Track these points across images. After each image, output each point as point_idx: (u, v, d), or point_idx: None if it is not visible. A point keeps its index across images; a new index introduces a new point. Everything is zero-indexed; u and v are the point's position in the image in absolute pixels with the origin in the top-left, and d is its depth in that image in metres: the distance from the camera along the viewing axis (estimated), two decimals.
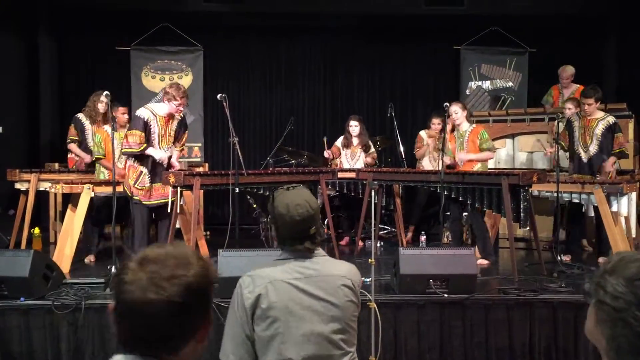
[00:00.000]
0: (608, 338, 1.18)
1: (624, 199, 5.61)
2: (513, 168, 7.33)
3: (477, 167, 6.08)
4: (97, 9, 8.38)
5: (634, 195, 5.81)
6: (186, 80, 8.69)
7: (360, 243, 6.68)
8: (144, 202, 5.41)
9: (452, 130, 6.35)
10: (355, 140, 7.12)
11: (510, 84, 8.98)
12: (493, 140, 7.50)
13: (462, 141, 6.06)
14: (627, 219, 5.78)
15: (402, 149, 7.88)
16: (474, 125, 6.16)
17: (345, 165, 7.10)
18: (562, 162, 6.32)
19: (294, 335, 2.17)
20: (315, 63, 9.25)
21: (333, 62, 9.22)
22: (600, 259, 5.92)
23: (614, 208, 5.60)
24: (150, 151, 5.37)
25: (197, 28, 8.70)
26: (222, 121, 8.36)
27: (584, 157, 6.09)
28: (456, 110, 6.01)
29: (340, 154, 7.20)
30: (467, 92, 8.95)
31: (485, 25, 8.70)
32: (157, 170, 5.43)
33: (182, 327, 1.26)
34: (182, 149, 5.95)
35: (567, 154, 6.36)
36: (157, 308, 1.21)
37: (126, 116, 6.33)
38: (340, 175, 6.58)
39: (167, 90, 5.43)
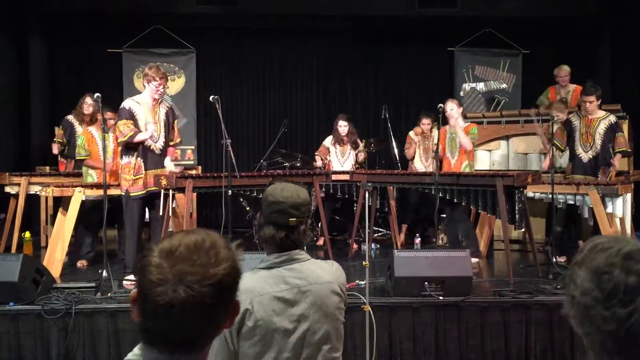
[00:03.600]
0: (582, 335, 1.12)
1: (619, 200, 5.59)
2: (507, 169, 7.30)
3: (464, 165, 6.09)
4: (88, 11, 8.32)
5: (629, 196, 5.80)
6: (179, 83, 8.64)
7: (355, 245, 6.64)
8: (141, 193, 5.29)
9: (445, 124, 6.34)
10: (345, 139, 7.11)
11: (504, 85, 8.97)
12: (488, 142, 7.53)
13: (455, 137, 6.08)
14: (622, 220, 5.77)
15: (396, 150, 7.86)
16: (467, 122, 6.20)
17: (336, 164, 7.11)
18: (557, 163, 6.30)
19: (282, 353, 2.07)
20: (308, 65, 9.22)
21: (327, 64, 9.19)
22: None
23: (609, 209, 5.58)
24: (139, 136, 5.26)
25: (189, 30, 8.66)
26: (215, 123, 8.31)
27: (584, 157, 6.04)
28: (452, 107, 6.05)
29: (329, 153, 7.19)
30: (461, 93, 8.94)
31: (478, 27, 8.69)
32: (149, 157, 5.34)
33: (211, 326, 1.19)
34: (179, 143, 5.85)
35: (562, 154, 6.33)
36: (187, 310, 1.12)
37: (112, 121, 6.25)
38: (333, 177, 6.55)
39: (146, 72, 5.40)
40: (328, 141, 7.24)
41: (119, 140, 5.39)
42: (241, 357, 2.08)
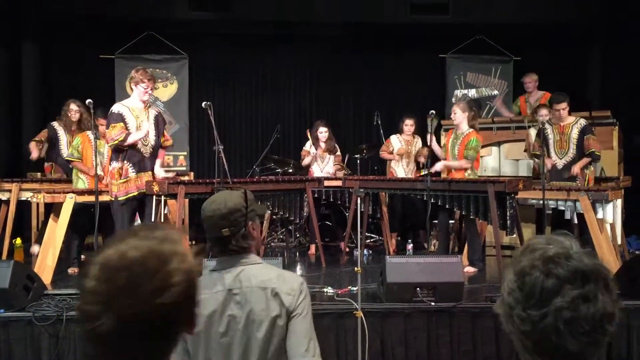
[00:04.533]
0: (509, 334, 1.15)
1: (610, 206, 5.63)
2: (499, 175, 7.34)
3: (467, 173, 6.01)
4: (81, 17, 8.30)
5: (619, 202, 5.83)
6: (171, 89, 8.65)
7: (347, 249, 6.64)
8: (129, 196, 5.26)
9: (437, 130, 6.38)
10: (322, 145, 7.16)
11: (495, 92, 9.03)
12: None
13: (457, 142, 6.04)
14: (612, 225, 5.80)
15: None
16: (470, 130, 6.04)
17: (316, 170, 7.14)
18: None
19: (212, 354, 2.09)
20: (301, 71, 9.24)
21: (319, 70, 9.22)
22: None
23: (600, 215, 5.61)
24: (130, 138, 5.22)
25: (182, 36, 8.67)
26: (207, 130, 8.30)
27: (559, 164, 6.11)
28: (455, 110, 6.04)
29: (309, 155, 7.23)
30: (453, 100, 8.97)
31: (470, 34, 8.75)
32: (139, 160, 5.32)
33: (158, 353, 1.05)
34: (171, 146, 5.86)
35: (539, 161, 6.39)
36: (127, 340, 0.98)
37: (103, 127, 6.23)
38: (326, 183, 6.56)
39: (133, 75, 5.39)
40: (308, 146, 7.27)
41: (109, 144, 5.36)
42: (191, 356, 2.12)
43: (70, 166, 6.38)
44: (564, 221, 6.20)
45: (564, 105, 6.01)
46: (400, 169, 7.13)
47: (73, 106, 6.74)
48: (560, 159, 6.08)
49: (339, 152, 7.34)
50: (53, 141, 6.95)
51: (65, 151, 6.74)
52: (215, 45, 8.98)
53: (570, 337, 1.07)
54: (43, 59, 8.59)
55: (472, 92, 9.04)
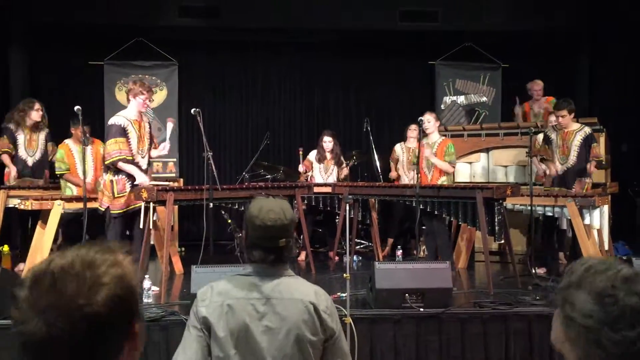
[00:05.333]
0: (580, 357, 1.10)
1: (596, 212, 5.67)
2: (487, 182, 7.38)
3: (442, 180, 6.20)
4: (69, 24, 8.28)
5: (606, 208, 5.88)
6: (161, 95, 8.63)
7: (336, 258, 6.65)
8: (124, 210, 5.24)
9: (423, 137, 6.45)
10: (328, 155, 7.14)
11: (484, 98, 9.08)
12: (468, 154, 7.60)
13: (431, 151, 6.20)
14: (599, 231, 5.84)
15: (378, 163, 7.90)
16: (442, 138, 6.32)
17: (318, 180, 7.11)
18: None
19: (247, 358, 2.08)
20: (291, 78, 9.26)
21: (309, 77, 9.24)
22: None
23: (587, 221, 5.66)
24: (130, 169, 5.21)
25: (171, 43, 8.65)
26: (197, 136, 8.29)
27: (560, 169, 6.15)
28: (429, 119, 6.17)
29: (312, 168, 7.20)
30: (442, 106, 9.03)
31: (459, 41, 8.81)
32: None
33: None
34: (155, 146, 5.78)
35: (544, 165, 6.44)
36: (56, 349, 0.95)
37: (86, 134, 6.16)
38: (315, 189, 6.56)
39: (131, 87, 5.35)
40: (312, 156, 7.27)
41: (106, 161, 5.28)
42: (213, 357, 2.09)
43: (62, 179, 6.37)
44: (554, 227, 6.26)
45: (563, 112, 6.02)
46: (404, 177, 7.11)
47: (37, 105, 6.61)
48: (562, 164, 6.12)
49: (344, 166, 7.29)
50: (13, 145, 6.67)
51: (23, 153, 6.62)
52: (204, 52, 8.98)
53: None
54: (32, 65, 8.55)
55: (461, 99, 9.10)
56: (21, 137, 6.67)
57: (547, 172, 6.29)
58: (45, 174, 6.80)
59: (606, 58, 8.65)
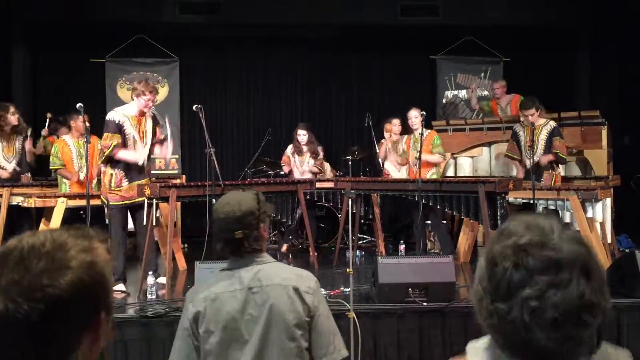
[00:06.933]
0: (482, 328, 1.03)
1: (599, 205, 5.67)
2: (489, 176, 7.38)
3: (431, 172, 6.29)
4: (71, 21, 8.29)
5: (608, 201, 5.88)
6: (162, 92, 8.63)
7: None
8: (121, 203, 5.25)
9: (408, 133, 6.66)
10: (304, 148, 7.16)
11: (485, 92, 9.07)
12: (470, 148, 7.61)
13: (417, 145, 6.19)
14: (602, 224, 5.84)
15: (380, 158, 7.88)
16: (428, 131, 6.43)
17: (296, 173, 7.17)
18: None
19: (231, 354, 2.10)
20: (292, 73, 9.25)
21: (310, 72, 9.23)
22: None
23: (589, 214, 5.66)
24: (122, 154, 5.18)
25: (172, 39, 8.66)
26: (199, 132, 8.29)
27: (527, 164, 6.18)
28: (416, 115, 6.29)
29: (290, 162, 7.23)
30: (444, 101, 9.02)
31: (460, 35, 8.79)
32: (132, 170, 5.30)
33: (48, 348, 0.96)
34: (160, 140, 5.70)
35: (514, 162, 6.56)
36: (9, 328, 0.92)
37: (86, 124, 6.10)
38: (318, 185, 6.57)
39: (135, 87, 5.32)
40: (289, 150, 7.30)
41: (99, 155, 5.31)
42: (203, 355, 2.11)
43: (55, 174, 6.38)
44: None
45: (532, 111, 6.15)
46: (394, 170, 7.08)
47: (13, 109, 6.42)
48: (529, 159, 6.15)
49: (320, 157, 7.33)
50: None
51: (1, 159, 6.42)
52: (205, 48, 8.98)
53: (539, 330, 0.94)
54: (34, 63, 8.57)
55: (463, 93, 9.09)
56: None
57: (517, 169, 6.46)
58: (24, 179, 6.61)
59: (606, 51, 8.63)
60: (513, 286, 0.96)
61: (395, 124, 7.05)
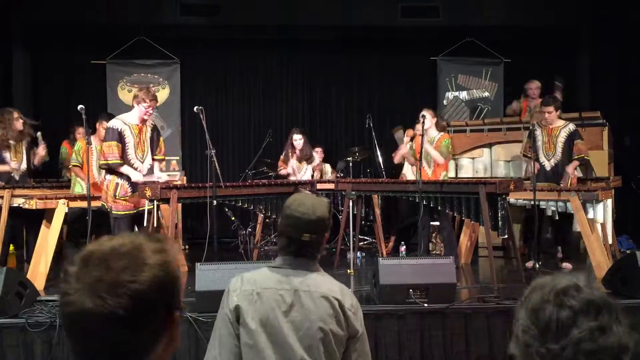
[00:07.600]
0: None
1: (600, 206, 5.67)
2: (490, 177, 7.38)
3: (444, 174, 6.23)
4: (72, 23, 8.30)
5: (609, 202, 5.88)
6: (163, 94, 8.64)
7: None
8: (126, 212, 5.27)
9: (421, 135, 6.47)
10: (299, 153, 7.18)
11: (486, 94, 9.07)
12: (471, 149, 7.60)
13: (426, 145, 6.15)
14: (603, 225, 5.84)
15: (380, 159, 7.90)
16: (441, 133, 6.29)
17: (293, 177, 7.15)
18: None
19: (267, 351, 2.12)
20: (293, 75, 9.26)
21: (311, 73, 9.24)
22: (564, 264, 6.02)
23: (590, 215, 5.65)
24: (125, 170, 5.25)
25: (173, 41, 8.67)
26: (199, 134, 8.31)
27: (547, 165, 6.18)
28: (425, 115, 6.13)
29: (285, 166, 7.26)
30: (445, 102, 9.02)
31: (461, 36, 8.79)
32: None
33: (134, 344, 1.03)
34: (163, 160, 5.80)
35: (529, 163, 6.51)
36: (97, 324, 0.99)
37: (79, 135, 6.12)
38: (318, 186, 6.57)
39: (136, 94, 5.39)
40: (283, 157, 7.34)
41: (100, 163, 5.38)
42: (242, 344, 2.13)
43: (65, 175, 6.37)
44: (560, 222, 6.25)
45: (550, 108, 6.11)
46: (410, 173, 7.08)
47: (16, 114, 6.28)
48: (548, 160, 6.15)
49: (317, 161, 7.34)
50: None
51: (13, 165, 6.29)
52: (206, 50, 8.99)
53: None
54: (34, 65, 8.58)
55: (464, 94, 9.09)
56: (7, 155, 6.30)
57: (529, 169, 6.37)
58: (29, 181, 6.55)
59: (607, 52, 8.62)
60: (562, 325, 1.07)
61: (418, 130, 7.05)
